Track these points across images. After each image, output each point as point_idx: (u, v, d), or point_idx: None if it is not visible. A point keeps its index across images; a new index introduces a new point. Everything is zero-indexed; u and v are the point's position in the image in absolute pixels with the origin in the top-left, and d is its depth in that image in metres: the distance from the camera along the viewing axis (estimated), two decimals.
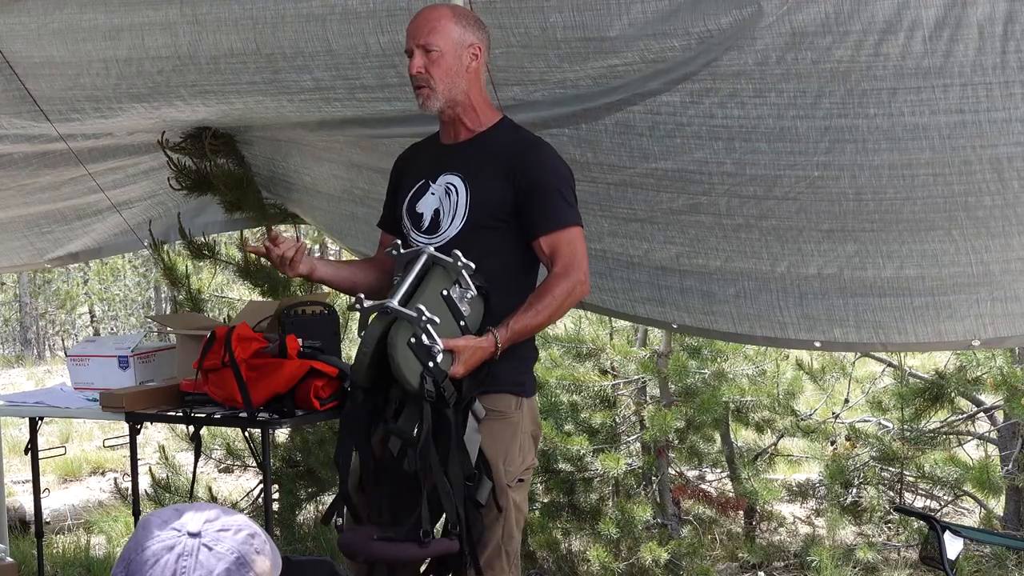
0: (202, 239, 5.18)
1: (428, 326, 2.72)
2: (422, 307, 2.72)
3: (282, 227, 5.93)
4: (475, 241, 2.93)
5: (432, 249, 2.88)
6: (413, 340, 2.73)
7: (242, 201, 4.94)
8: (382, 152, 3.99)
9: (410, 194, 3.09)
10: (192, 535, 1.58)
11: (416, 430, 2.77)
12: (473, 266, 2.83)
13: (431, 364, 2.74)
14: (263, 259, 5.16)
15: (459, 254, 2.83)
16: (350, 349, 5.52)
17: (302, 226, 6.36)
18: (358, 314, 2.85)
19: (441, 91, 2.98)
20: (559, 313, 3.09)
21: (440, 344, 2.74)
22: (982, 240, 3.32)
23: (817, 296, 3.64)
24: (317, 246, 14.90)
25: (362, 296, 2.85)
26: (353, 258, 4.96)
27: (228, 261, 5.26)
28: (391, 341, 2.73)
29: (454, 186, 3.00)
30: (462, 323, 2.84)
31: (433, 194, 3.03)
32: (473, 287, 2.84)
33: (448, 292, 2.82)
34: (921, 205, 3.27)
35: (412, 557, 2.85)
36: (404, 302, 2.77)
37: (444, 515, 2.83)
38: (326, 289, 3.97)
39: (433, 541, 2.79)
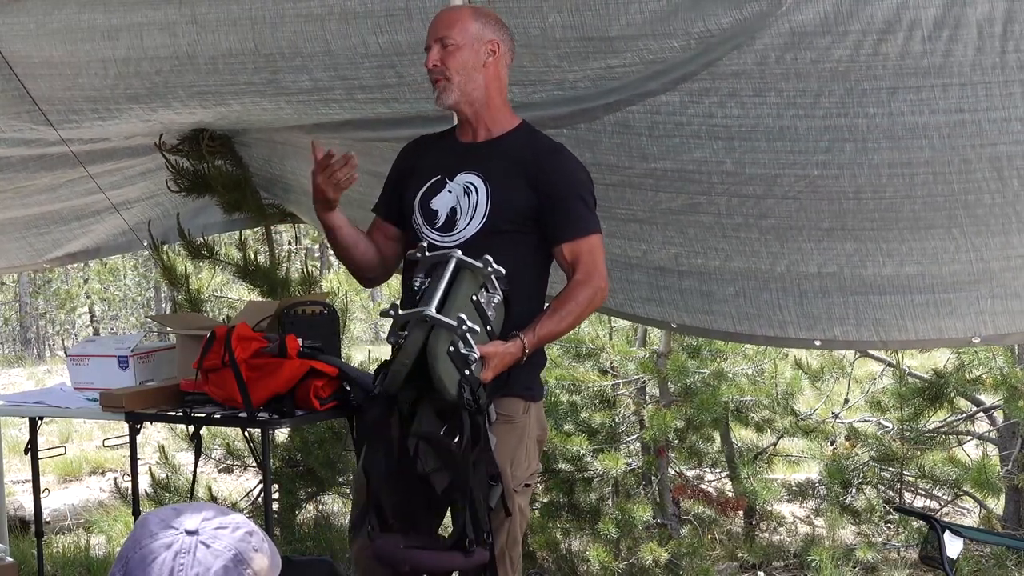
0: (201, 239, 5.18)
1: (467, 335, 2.69)
2: (463, 316, 2.70)
3: (281, 227, 5.93)
4: (491, 243, 2.89)
5: (460, 253, 2.83)
6: (451, 348, 2.70)
7: (241, 202, 4.94)
8: (377, 156, 3.98)
9: (423, 189, 3.04)
10: (190, 533, 1.58)
11: (453, 436, 2.72)
12: (503, 271, 2.79)
13: (467, 372, 2.71)
14: (262, 259, 5.18)
15: (489, 259, 2.79)
16: (350, 349, 5.53)
17: (300, 225, 6.37)
18: (382, 318, 2.81)
19: (456, 83, 2.96)
20: (580, 319, 3.08)
21: (477, 352, 2.71)
22: (982, 238, 3.32)
23: (817, 295, 3.64)
24: (317, 245, 14.92)
25: (396, 303, 2.82)
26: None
27: (227, 261, 5.26)
28: (431, 351, 2.69)
29: (474, 186, 2.97)
30: (489, 328, 2.81)
31: (450, 192, 3.00)
32: (500, 292, 2.82)
33: (477, 297, 2.79)
34: (921, 203, 3.27)
35: (458, 567, 2.80)
36: (439, 308, 2.73)
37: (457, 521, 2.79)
38: (326, 289, 3.96)
39: (477, 551, 2.74)
